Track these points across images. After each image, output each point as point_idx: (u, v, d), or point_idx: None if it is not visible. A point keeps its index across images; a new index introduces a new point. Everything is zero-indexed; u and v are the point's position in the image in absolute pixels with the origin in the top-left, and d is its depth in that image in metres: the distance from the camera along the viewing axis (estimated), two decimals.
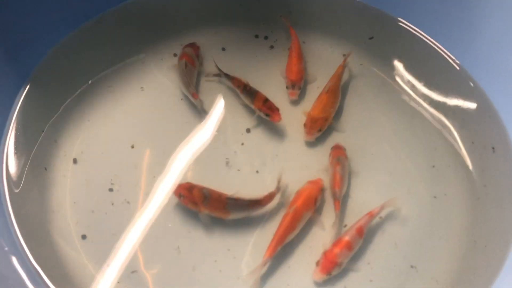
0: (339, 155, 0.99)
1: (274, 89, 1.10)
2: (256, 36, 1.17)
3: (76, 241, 0.93)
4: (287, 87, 1.09)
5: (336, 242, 0.90)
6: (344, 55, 1.14)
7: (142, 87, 1.10)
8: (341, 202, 0.95)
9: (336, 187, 0.95)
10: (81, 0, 1.13)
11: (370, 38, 1.17)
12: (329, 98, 1.06)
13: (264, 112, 1.02)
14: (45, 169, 0.99)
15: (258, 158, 1.03)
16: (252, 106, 1.04)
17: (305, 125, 1.04)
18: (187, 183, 0.95)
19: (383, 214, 0.96)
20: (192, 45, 1.12)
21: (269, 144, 1.05)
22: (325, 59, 1.15)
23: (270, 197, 0.95)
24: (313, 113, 1.05)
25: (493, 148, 1.01)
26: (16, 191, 0.96)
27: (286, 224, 0.90)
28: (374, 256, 0.93)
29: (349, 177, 1.00)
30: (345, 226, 0.96)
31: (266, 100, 1.03)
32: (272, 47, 1.16)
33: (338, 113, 1.08)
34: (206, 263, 0.92)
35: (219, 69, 1.10)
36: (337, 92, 1.08)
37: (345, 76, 1.11)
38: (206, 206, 0.93)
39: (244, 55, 1.15)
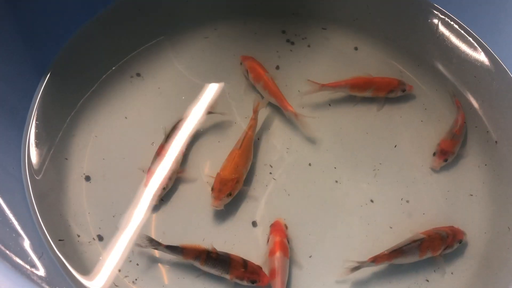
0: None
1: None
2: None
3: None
4: None
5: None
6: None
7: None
8: None
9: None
10: None
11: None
12: (241, 155, 0.93)
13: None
14: (66, 159, 1.00)
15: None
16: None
17: (212, 189, 0.91)
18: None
19: None
20: None
21: None
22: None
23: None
24: (223, 173, 0.91)
25: None
26: (38, 178, 0.96)
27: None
28: None
29: None
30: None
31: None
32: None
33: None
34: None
35: None
36: (251, 149, 0.96)
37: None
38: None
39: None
